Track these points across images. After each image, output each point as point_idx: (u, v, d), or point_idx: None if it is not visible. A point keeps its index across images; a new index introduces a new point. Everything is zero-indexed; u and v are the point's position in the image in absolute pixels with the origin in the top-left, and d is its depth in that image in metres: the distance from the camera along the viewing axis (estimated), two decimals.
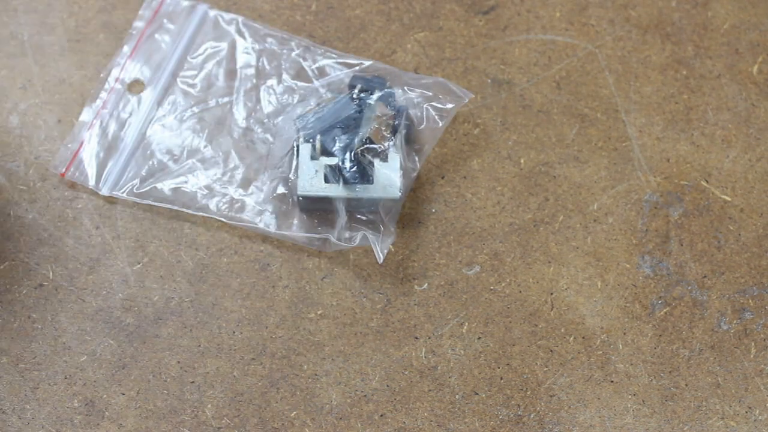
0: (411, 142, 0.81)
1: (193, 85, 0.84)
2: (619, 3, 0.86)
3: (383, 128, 0.80)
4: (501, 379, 0.79)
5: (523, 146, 0.83)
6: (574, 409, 0.78)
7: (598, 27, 0.86)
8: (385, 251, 0.78)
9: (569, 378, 0.79)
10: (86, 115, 0.83)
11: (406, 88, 0.82)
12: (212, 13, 0.85)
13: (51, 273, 0.80)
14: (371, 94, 0.80)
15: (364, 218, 0.80)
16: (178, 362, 0.78)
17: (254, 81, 0.84)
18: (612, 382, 0.79)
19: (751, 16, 0.87)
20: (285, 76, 0.84)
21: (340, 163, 0.78)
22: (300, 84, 0.84)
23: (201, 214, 0.81)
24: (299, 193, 0.78)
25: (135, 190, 0.81)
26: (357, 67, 0.83)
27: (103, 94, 0.83)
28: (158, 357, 0.78)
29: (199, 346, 0.79)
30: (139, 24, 0.85)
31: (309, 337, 0.79)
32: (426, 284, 0.80)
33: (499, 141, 0.83)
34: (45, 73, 0.84)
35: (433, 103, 0.82)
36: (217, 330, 0.79)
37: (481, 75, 0.84)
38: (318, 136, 0.79)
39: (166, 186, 0.82)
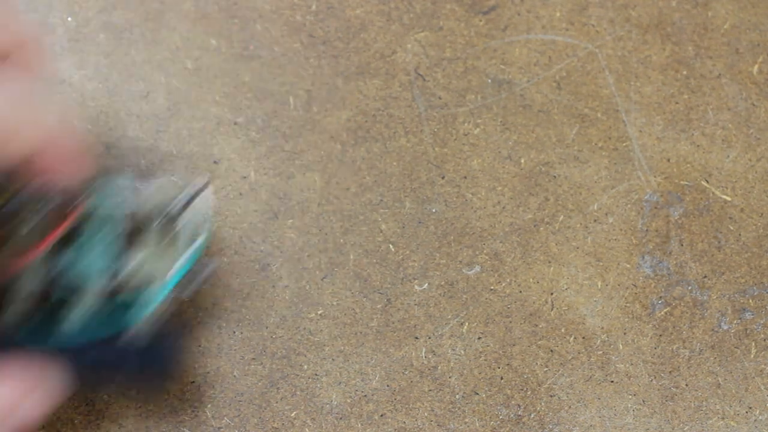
0: None
1: None
2: (619, 3, 0.86)
3: None
4: (501, 379, 0.79)
5: (523, 146, 0.83)
6: (575, 409, 0.78)
7: (598, 27, 0.86)
8: None
9: (569, 378, 0.79)
10: None
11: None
12: None
13: None
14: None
15: None
16: (178, 362, 0.78)
17: None
18: (612, 382, 0.79)
19: (751, 16, 0.87)
20: None
21: None
22: None
23: None
24: None
25: None
26: None
27: None
28: None
29: (199, 346, 0.78)
30: None
31: (309, 337, 0.79)
32: (426, 284, 0.80)
33: (499, 141, 0.83)
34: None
35: None
36: (217, 330, 0.79)
37: (481, 75, 0.84)
38: None
39: None
